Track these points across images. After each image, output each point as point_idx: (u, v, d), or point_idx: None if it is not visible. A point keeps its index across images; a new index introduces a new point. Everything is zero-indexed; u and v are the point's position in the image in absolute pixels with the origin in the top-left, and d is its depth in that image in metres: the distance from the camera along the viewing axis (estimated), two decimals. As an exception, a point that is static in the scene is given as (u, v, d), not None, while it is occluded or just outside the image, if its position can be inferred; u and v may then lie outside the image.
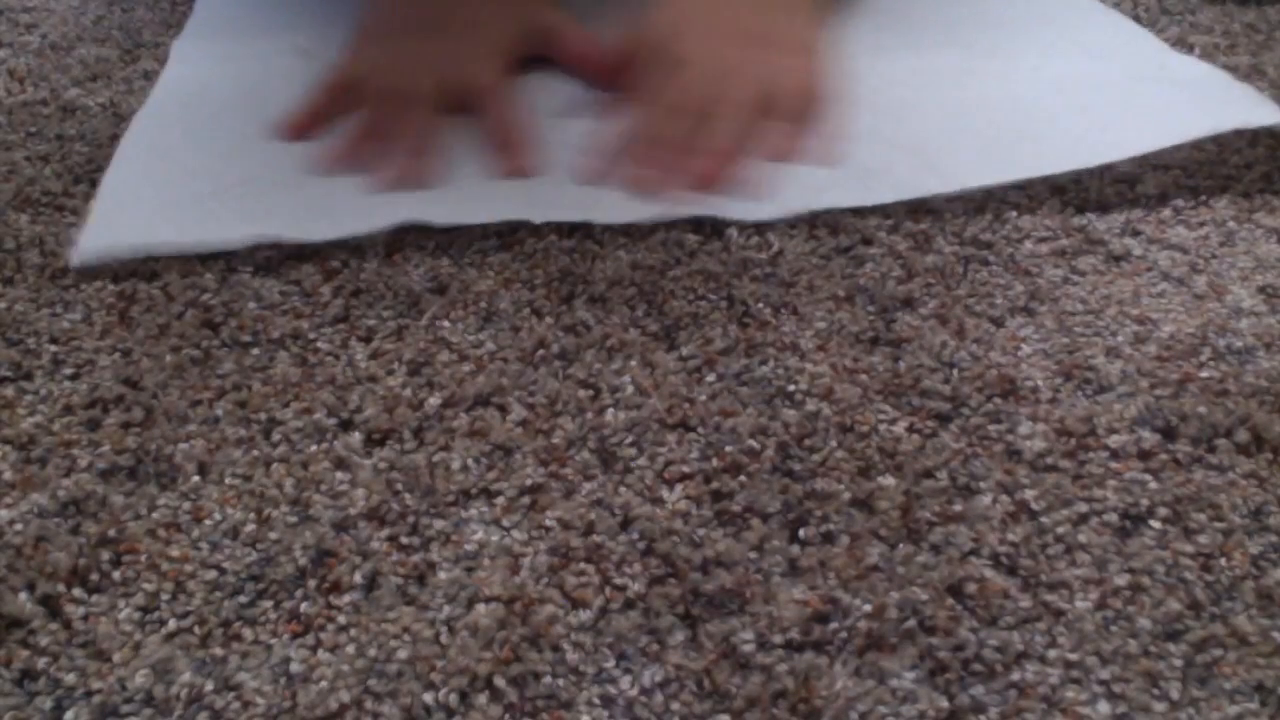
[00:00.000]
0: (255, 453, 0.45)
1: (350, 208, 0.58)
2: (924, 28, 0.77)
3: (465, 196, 0.59)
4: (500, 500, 0.43)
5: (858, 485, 0.43)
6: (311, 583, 0.40)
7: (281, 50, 0.74)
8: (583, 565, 0.41)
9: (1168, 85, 0.67)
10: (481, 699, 0.36)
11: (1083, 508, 0.42)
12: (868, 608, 0.39)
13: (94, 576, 0.40)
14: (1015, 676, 0.37)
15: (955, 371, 0.49)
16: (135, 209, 0.59)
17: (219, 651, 0.38)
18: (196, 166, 0.62)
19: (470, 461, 0.45)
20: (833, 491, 0.43)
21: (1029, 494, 0.43)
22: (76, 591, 0.40)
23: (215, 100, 0.69)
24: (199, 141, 0.64)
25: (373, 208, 0.58)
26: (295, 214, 0.58)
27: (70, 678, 0.37)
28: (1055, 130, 0.64)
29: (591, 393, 0.48)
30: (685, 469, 0.44)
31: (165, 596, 0.40)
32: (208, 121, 0.67)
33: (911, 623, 0.38)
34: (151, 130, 0.66)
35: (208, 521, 0.42)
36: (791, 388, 0.48)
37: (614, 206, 0.58)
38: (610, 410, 0.47)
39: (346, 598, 0.40)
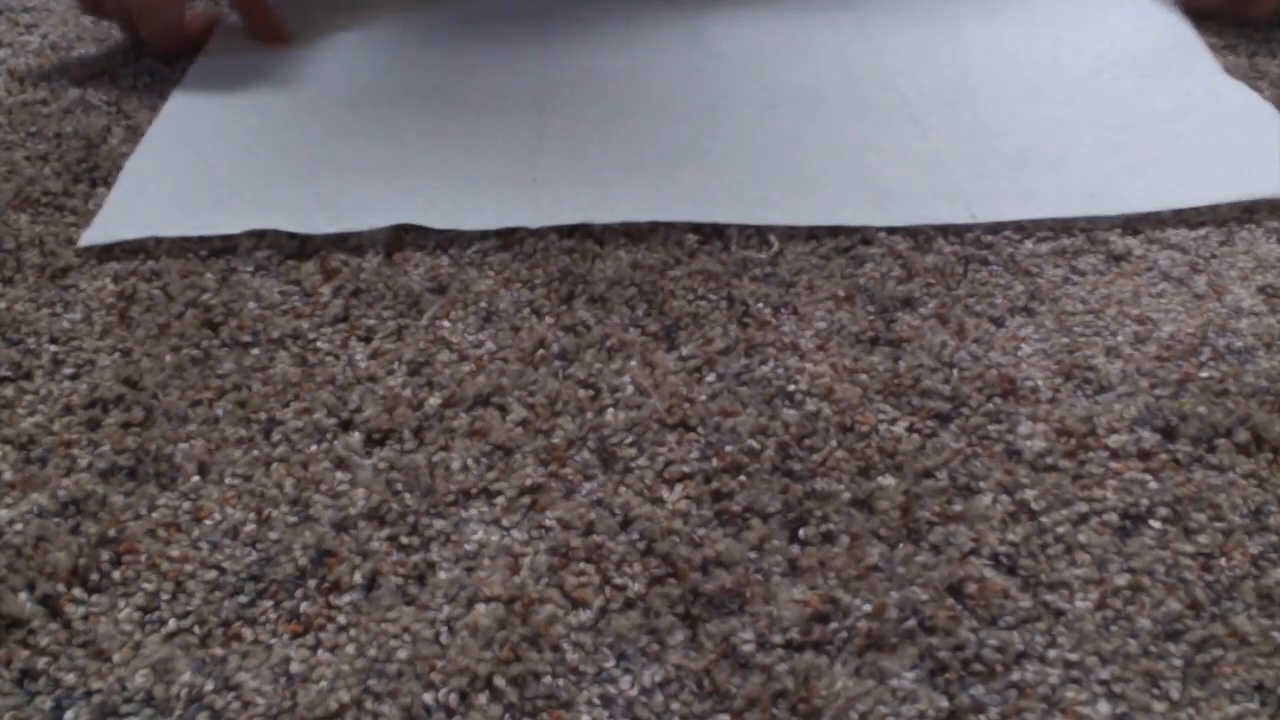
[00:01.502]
0: (255, 453, 0.45)
1: (352, 205, 0.58)
2: (970, 36, 0.75)
3: (465, 200, 0.59)
4: (500, 500, 0.43)
5: (858, 485, 0.43)
6: (311, 583, 0.40)
7: (313, 50, 0.75)
8: (583, 565, 0.41)
9: (1213, 126, 0.65)
10: (481, 699, 0.36)
11: (1083, 508, 0.42)
12: (868, 608, 0.39)
13: (94, 576, 0.40)
14: (1015, 676, 0.37)
15: (955, 371, 0.49)
16: (148, 196, 0.60)
17: (219, 651, 0.38)
18: (213, 158, 0.63)
19: (470, 461, 0.45)
20: (833, 491, 0.43)
21: (1029, 494, 0.43)
22: (76, 591, 0.40)
23: (242, 92, 0.70)
24: (220, 133, 0.65)
25: (373, 207, 0.58)
26: (300, 207, 0.58)
27: (70, 678, 0.37)
28: (1091, 169, 0.61)
29: (591, 393, 0.48)
30: (685, 469, 0.44)
31: (165, 596, 0.40)
32: (232, 113, 0.67)
33: (911, 623, 0.38)
34: (179, 119, 0.67)
35: (208, 521, 0.42)
36: (791, 388, 0.48)
37: (614, 208, 0.58)
38: (610, 410, 0.47)
39: (346, 598, 0.40)
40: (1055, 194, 0.59)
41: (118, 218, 0.58)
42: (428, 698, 0.36)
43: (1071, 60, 0.72)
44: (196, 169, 0.62)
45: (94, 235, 0.57)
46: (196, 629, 0.39)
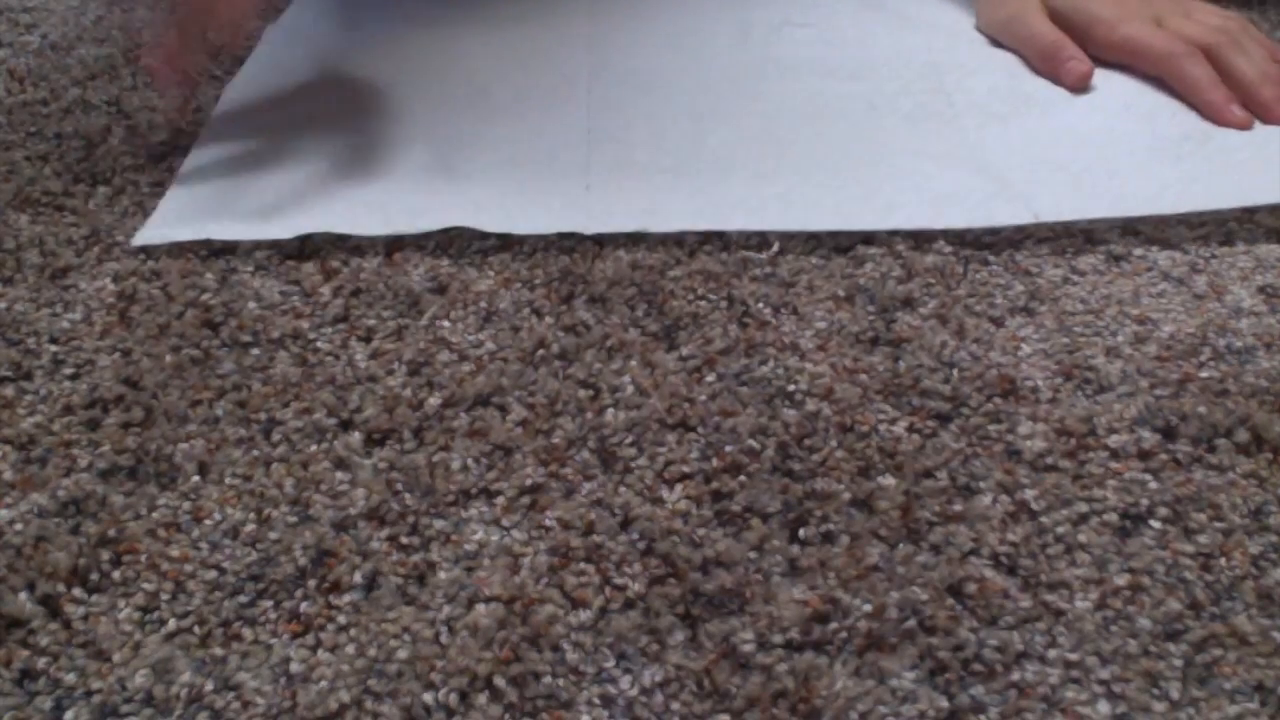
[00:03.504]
0: (255, 453, 0.45)
1: (403, 209, 0.58)
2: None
3: (517, 204, 0.59)
4: (500, 500, 0.43)
5: (858, 485, 0.43)
6: (311, 583, 0.40)
7: (364, 50, 0.75)
8: (583, 565, 0.41)
9: (1274, 133, 0.63)
10: (481, 699, 0.36)
11: (1083, 508, 0.42)
12: (868, 608, 0.39)
13: (94, 576, 0.40)
14: (1015, 676, 0.37)
15: (955, 371, 0.49)
16: (201, 198, 0.60)
17: (219, 651, 0.38)
18: (264, 161, 0.63)
19: (470, 461, 0.45)
20: (833, 491, 0.43)
21: (1029, 494, 0.43)
22: (76, 591, 0.40)
23: (290, 95, 0.70)
24: (270, 136, 0.65)
25: (424, 210, 0.58)
26: (351, 210, 0.58)
27: (70, 678, 0.37)
28: (1149, 174, 0.60)
29: (591, 393, 0.48)
30: (685, 469, 0.44)
31: (165, 596, 0.40)
32: (280, 116, 0.67)
33: (911, 623, 0.38)
34: (229, 121, 0.67)
35: (208, 521, 0.42)
36: (791, 388, 0.48)
37: (668, 217, 0.57)
38: (610, 410, 0.47)
39: (346, 598, 0.40)
40: (1116, 196, 0.58)
41: (172, 218, 0.58)
42: (428, 698, 0.36)
43: (1124, 70, 0.71)
44: (248, 171, 0.62)
45: (148, 235, 0.57)
46: (196, 629, 0.39)
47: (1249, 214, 0.58)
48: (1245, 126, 0.63)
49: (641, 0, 0.80)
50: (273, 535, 0.42)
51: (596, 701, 0.36)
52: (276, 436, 0.46)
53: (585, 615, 0.39)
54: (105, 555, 0.41)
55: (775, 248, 0.56)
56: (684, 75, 0.71)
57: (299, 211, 0.58)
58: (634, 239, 0.57)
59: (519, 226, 0.57)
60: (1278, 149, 0.62)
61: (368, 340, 0.51)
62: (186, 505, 0.43)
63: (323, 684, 0.37)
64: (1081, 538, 0.41)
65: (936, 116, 0.67)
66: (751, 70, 0.72)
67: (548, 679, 0.37)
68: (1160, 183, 0.60)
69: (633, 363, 0.49)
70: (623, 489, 0.43)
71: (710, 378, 0.49)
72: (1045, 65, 0.69)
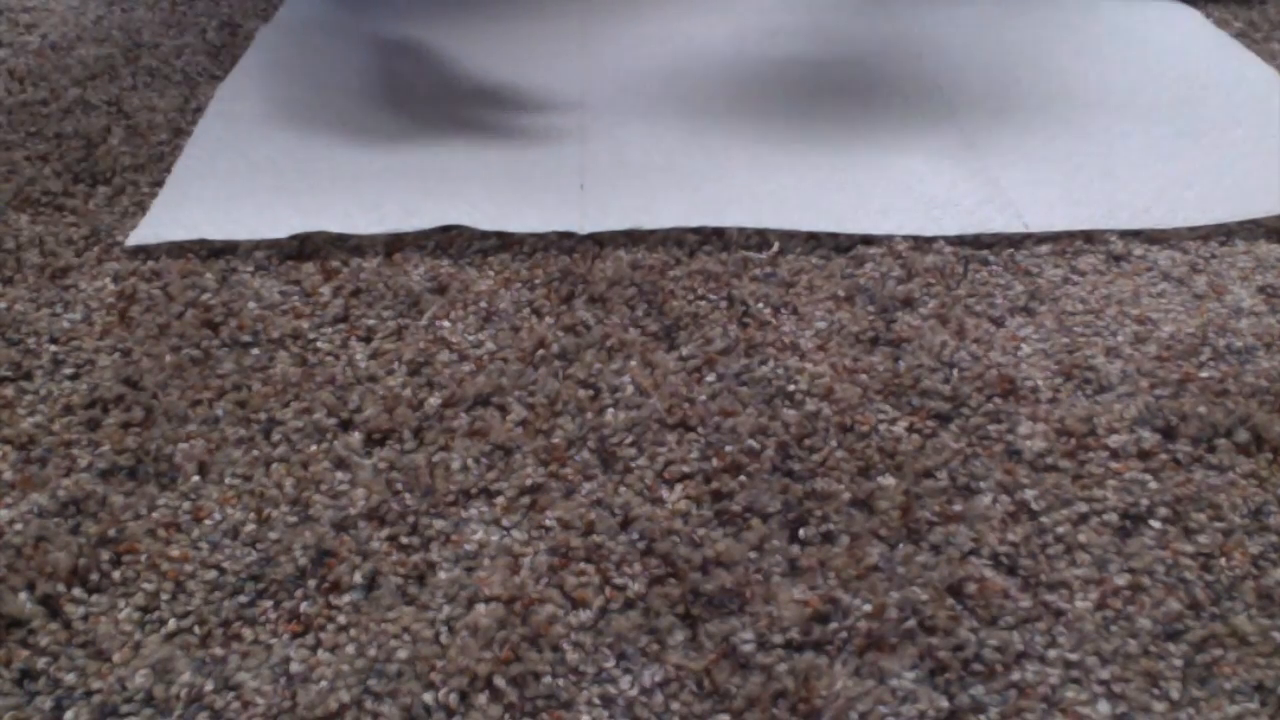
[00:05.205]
0: (255, 453, 0.45)
1: (398, 208, 0.58)
2: (1017, 46, 0.75)
3: (512, 203, 0.59)
4: (500, 500, 0.43)
5: (858, 485, 0.43)
6: (311, 583, 0.40)
7: (358, 48, 0.75)
8: (583, 565, 0.41)
9: (1268, 134, 0.63)
10: (481, 699, 0.36)
11: (1083, 508, 0.42)
12: (868, 608, 0.39)
13: (94, 576, 0.40)
14: (1015, 676, 0.37)
15: (955, 371, 0.49)
16: (195, 199, 0.60)
17: (219, 651, 0.38)
18: (257, 161, 0.63)
19: (470, 461, 0.45)
20: (833, 491, 0.43)
21: (1029, 494, 0.43)
22: (76, 591, 0.40)
23: (283, 94, 0.70)
24: (263, 136, 0.65)
25: (419, 209, 0.58)
26: (346, 210, 0.58)
27: (70, 678, 0.37)
28: (1143, 179, 0.60)
29: (591, 393, 0.48)
30: (685, 469, 0.44)
31: (165, 596, 0.40)
32: (274, 115, 0.67)
33: (911, 623, 0.38)
34: (222, 121, 0.67)
35: (208, 521, 0.42)
36: (791, 388, 0.48)
37: (662, 214, 0.58)
38: (610, 410, 0.47)
39: (346, 598, 0.40)
40: (1108, 204, 0.58)
41: (166, 219, 0.58)
42: (428, 698, 0.36)
43: (1120, 72, 0.71)
44: (241, 171, 0.62)
45: (143, 235, 0.57)
46: (196, 629, 0.39)
47: (1249, 214, 0.58)
48: None
49: (634, 4, 0.81)
50: (273, 535, 0.42)
51: (596, 701, 0.36)
52: (276, 436, 0.46)
53: (585, 615, 0.39)
54: (105, 555, 0.41)
55: (775, 248, 0.56)
56: (677, 77, 0.72)
57: (294, 211, 0.58)
58: (634, 239, 0.57)
59: (513, 225, 0.57)
60: (1273, 148, 0.62)
61: (368, 340, 0.51)
62: (186, 505, 0.43)
63: (323, 684, 0.37)
64: (1081, 538, 0.41)
65: (931, 114, 0.67)
66: (745, 71, 0.72)
67: (548, 679, 0.37)
68: (1154, 187, 0.60)
69: (633, 363, 0.49)
70: (623, 489, 0.43)
71: (710, 378, 0.49)
72: None
